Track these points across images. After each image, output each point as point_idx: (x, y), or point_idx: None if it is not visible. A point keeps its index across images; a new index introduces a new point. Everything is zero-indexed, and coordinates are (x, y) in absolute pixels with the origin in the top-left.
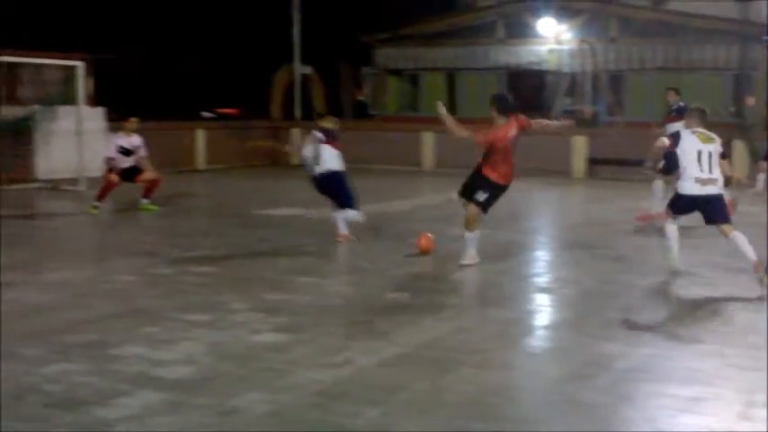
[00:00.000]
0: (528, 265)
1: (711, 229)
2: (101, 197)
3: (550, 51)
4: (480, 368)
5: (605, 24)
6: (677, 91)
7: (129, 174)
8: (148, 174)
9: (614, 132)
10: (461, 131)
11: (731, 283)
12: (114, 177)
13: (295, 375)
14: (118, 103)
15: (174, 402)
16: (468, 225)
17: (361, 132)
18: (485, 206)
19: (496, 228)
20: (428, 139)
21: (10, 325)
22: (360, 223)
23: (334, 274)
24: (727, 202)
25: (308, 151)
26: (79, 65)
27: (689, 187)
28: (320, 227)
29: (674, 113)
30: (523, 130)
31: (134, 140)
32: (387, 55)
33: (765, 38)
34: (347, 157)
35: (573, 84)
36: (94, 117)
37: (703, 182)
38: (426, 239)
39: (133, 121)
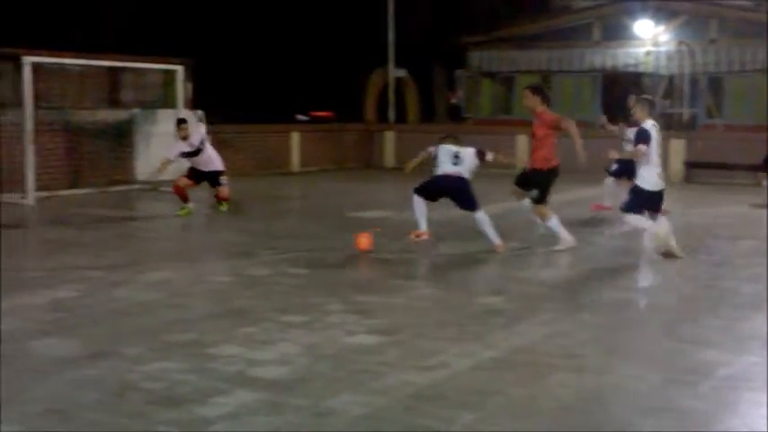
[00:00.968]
0: (624, 270)
1: None
2: (180, 196)
3: (648, 53)
4: (577, 373)
5: (704, 25)
6: None
7: (206, 178)
8: (224, 189)
9: (713, 135)
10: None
11: None
12: (182, 181)
13: (389, 377)
14: (215, 106)
15: (271, 402)
16: (543, 217)
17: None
18: (544, 197)
19: (593, 232)
20: (522, 142)
21: (113, 324)
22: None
23: (426, 276)
24: None
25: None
26: (179, 69)
27: (655, 182)
28: (411, 228)
29: None
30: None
31: (193, 140)
32: (481, 57)
33: None
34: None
35: (670, 86)
36: (193, 120)
37: (660, 175)
38: (366, 239)
39: (183, 128)
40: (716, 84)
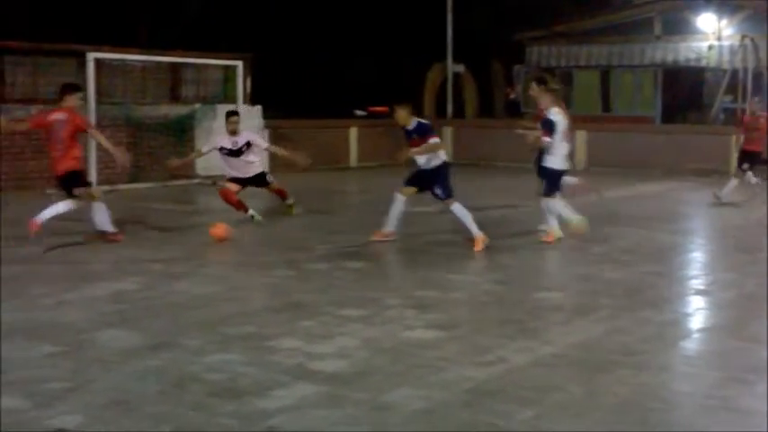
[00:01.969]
0: (684, 267)
1: None
2: (238, 209)
3: (710, 48)
4: (636, 370)
5: None
6: None
7: (250, 182)
8: (274, 185)
9: None
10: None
11: None
12: (230, 186)
13: (448, 372)
14: (274, 101)
15: (331, 395)
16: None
17: (512, 131)
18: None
19: (652, 228)
20: (580, 137)
21: (175, 316)
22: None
23: (484, 271)
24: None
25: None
26: (239, 64)
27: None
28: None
29: None
30: None
31: (239, 140)
32: (540, 53)
33: None
34: (502, 156)
35: (733, 81)
36: (252, 115)
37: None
38: (220, 229)
39: (232, 121)
40: None
